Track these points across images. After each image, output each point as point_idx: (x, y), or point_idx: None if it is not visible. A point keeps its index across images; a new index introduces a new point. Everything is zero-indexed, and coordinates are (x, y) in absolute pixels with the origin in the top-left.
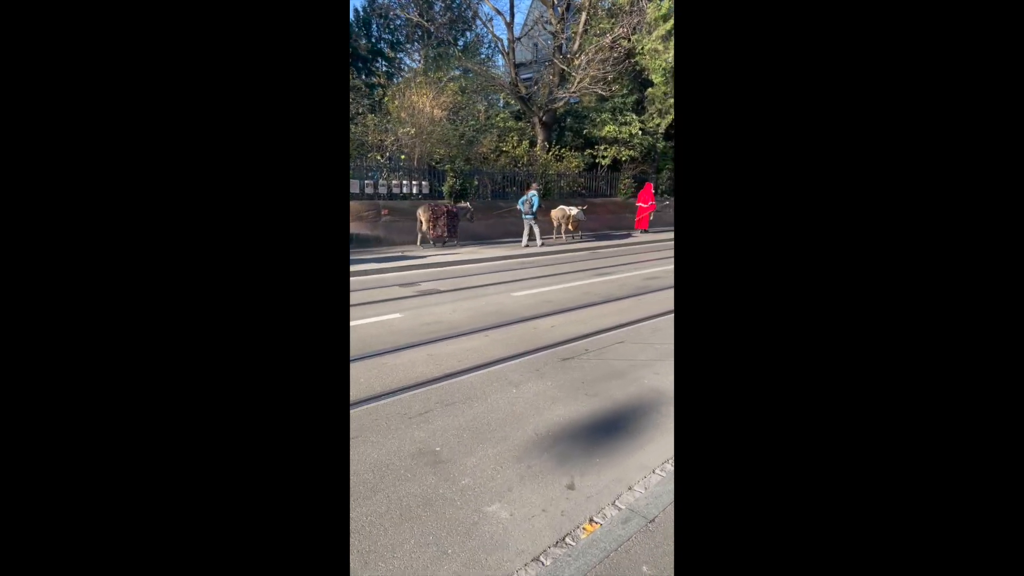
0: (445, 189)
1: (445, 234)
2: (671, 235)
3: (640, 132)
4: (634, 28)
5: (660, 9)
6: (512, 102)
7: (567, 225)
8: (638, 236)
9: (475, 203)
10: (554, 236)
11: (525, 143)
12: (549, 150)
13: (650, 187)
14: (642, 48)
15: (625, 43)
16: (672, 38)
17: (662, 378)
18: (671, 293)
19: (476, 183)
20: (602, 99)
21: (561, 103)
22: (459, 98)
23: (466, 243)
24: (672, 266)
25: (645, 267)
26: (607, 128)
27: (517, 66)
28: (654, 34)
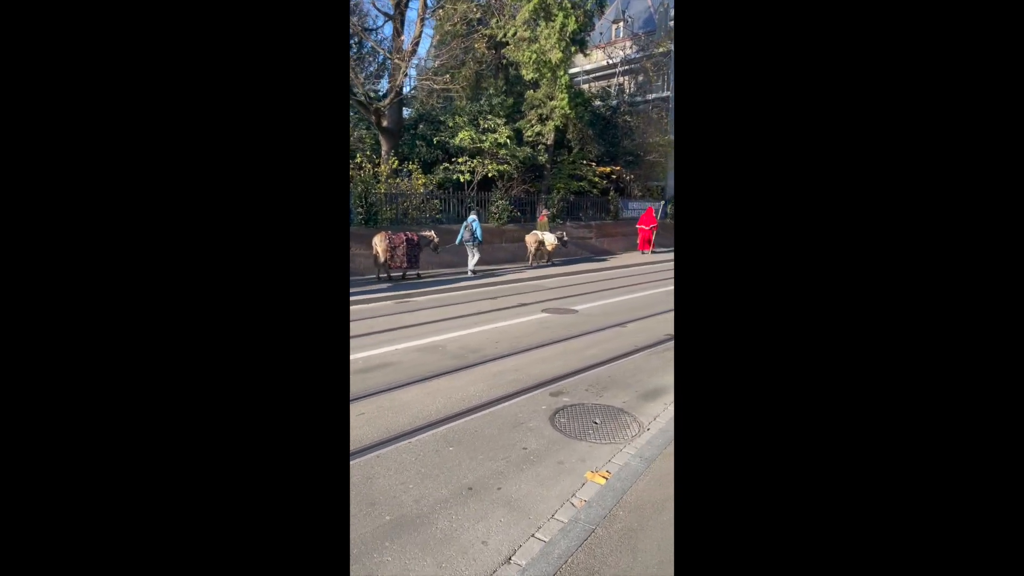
0: None
1: (405, 264)
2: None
3: (509, 141)
4: (494, 11)
5: None
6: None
7: (535, 251)
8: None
9: None
10: (530, 262)
11: None
12: (392, 163)
13: (651, 211)
14: (504, 36)
15: (485, 30)
16: (540, 22)
17: None
18: None
19: None
20: (473, 101)
21: (387, 101)
22: None
23: (429, 275)
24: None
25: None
26: (461, 135)
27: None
28: (518, 18)
